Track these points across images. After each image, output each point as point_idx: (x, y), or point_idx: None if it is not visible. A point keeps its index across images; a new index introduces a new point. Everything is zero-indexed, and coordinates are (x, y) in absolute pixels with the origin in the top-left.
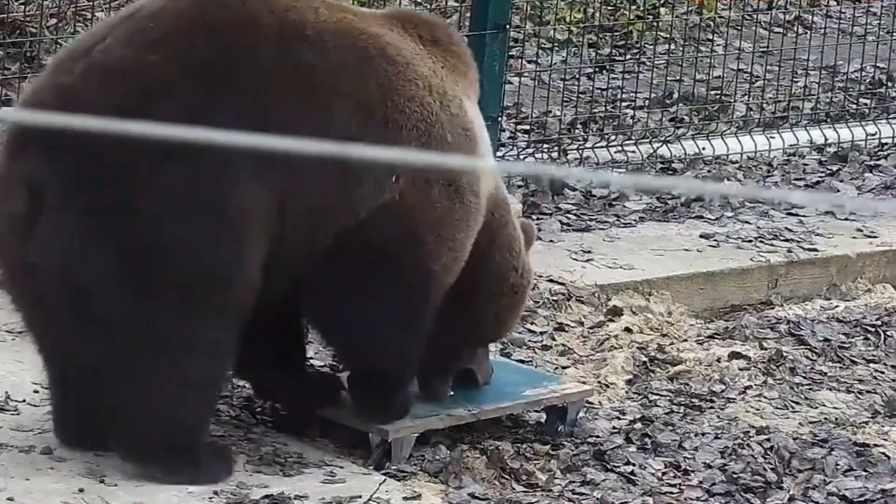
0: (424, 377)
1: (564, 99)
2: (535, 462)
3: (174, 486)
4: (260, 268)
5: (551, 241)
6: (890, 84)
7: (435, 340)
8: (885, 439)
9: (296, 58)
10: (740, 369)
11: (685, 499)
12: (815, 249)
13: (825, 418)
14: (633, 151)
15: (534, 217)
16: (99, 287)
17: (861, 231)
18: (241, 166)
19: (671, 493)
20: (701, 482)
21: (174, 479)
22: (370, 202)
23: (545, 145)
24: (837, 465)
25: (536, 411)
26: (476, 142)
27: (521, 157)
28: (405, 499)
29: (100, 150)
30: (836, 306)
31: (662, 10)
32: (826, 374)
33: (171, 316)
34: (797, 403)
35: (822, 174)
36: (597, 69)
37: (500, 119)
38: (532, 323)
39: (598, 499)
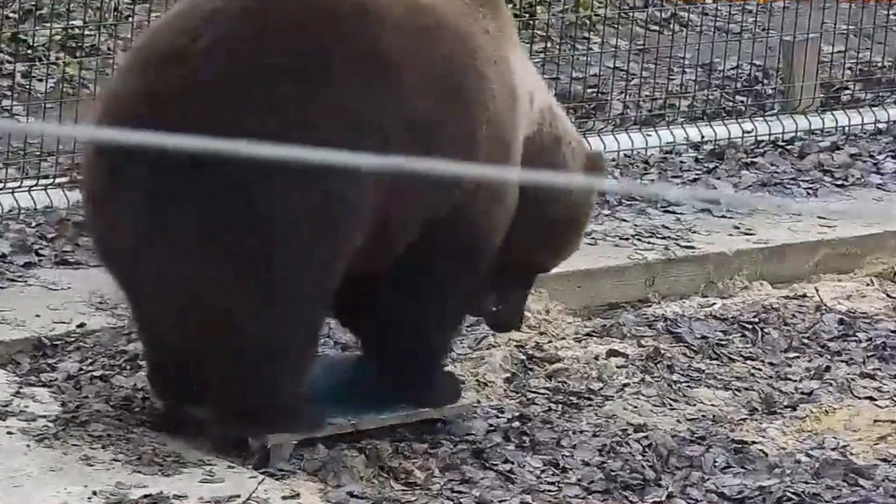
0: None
1: None
2: (413, 460)
3: (53, 486)
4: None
5: None
6: (766, 81)
7: None
8: (763, 436)
9: (376, 43)
10: (618, 367)
11: (563, 497)
12: (692, 247)
13: (703, 416)
14: None
15: None
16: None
17: (738, 228)
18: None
19: (549, 491)
20: (579, 480)
21: (272, 430)
22: (457, 191)
23: None
24: (715, 462)
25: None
26: (517, 100)
27: None
28: (284, 498)
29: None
30: (714, 304)
31: (538, 8)
32: (704, 371)
33: (284, 292)
34: (675, 401)
35: (699, 171)
36: None
37: None
38: None
39: (476, 497)
